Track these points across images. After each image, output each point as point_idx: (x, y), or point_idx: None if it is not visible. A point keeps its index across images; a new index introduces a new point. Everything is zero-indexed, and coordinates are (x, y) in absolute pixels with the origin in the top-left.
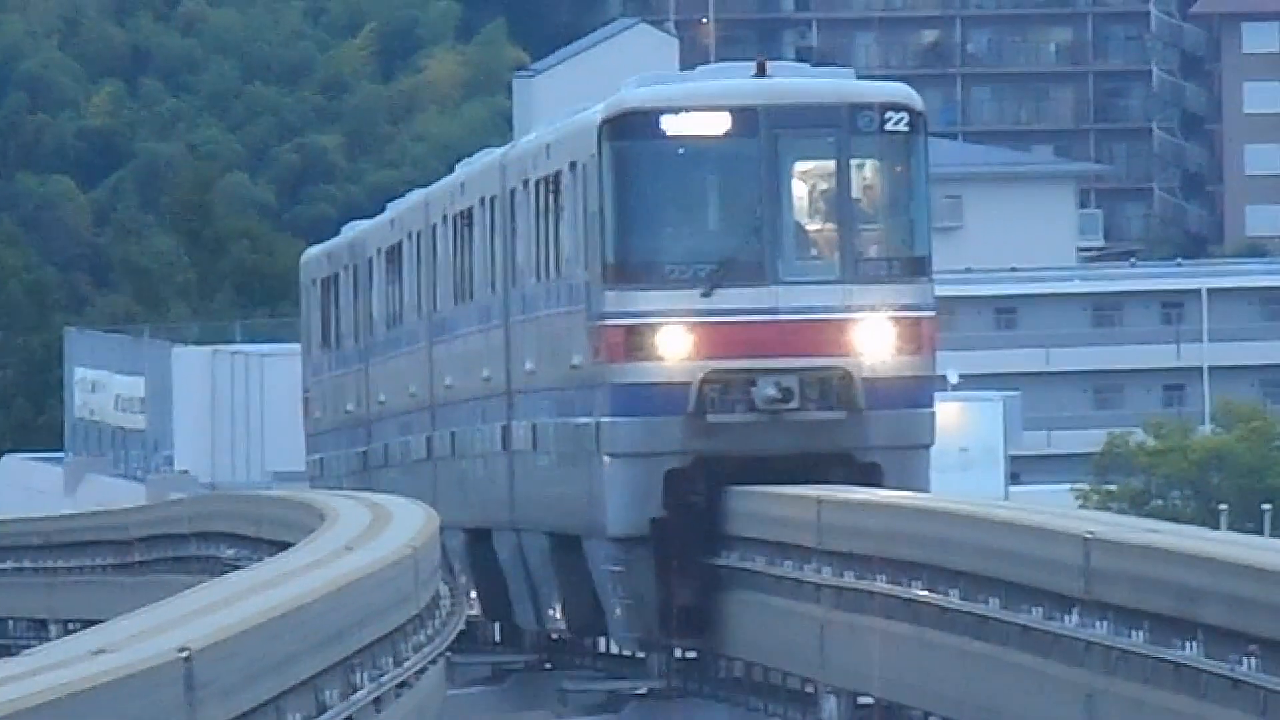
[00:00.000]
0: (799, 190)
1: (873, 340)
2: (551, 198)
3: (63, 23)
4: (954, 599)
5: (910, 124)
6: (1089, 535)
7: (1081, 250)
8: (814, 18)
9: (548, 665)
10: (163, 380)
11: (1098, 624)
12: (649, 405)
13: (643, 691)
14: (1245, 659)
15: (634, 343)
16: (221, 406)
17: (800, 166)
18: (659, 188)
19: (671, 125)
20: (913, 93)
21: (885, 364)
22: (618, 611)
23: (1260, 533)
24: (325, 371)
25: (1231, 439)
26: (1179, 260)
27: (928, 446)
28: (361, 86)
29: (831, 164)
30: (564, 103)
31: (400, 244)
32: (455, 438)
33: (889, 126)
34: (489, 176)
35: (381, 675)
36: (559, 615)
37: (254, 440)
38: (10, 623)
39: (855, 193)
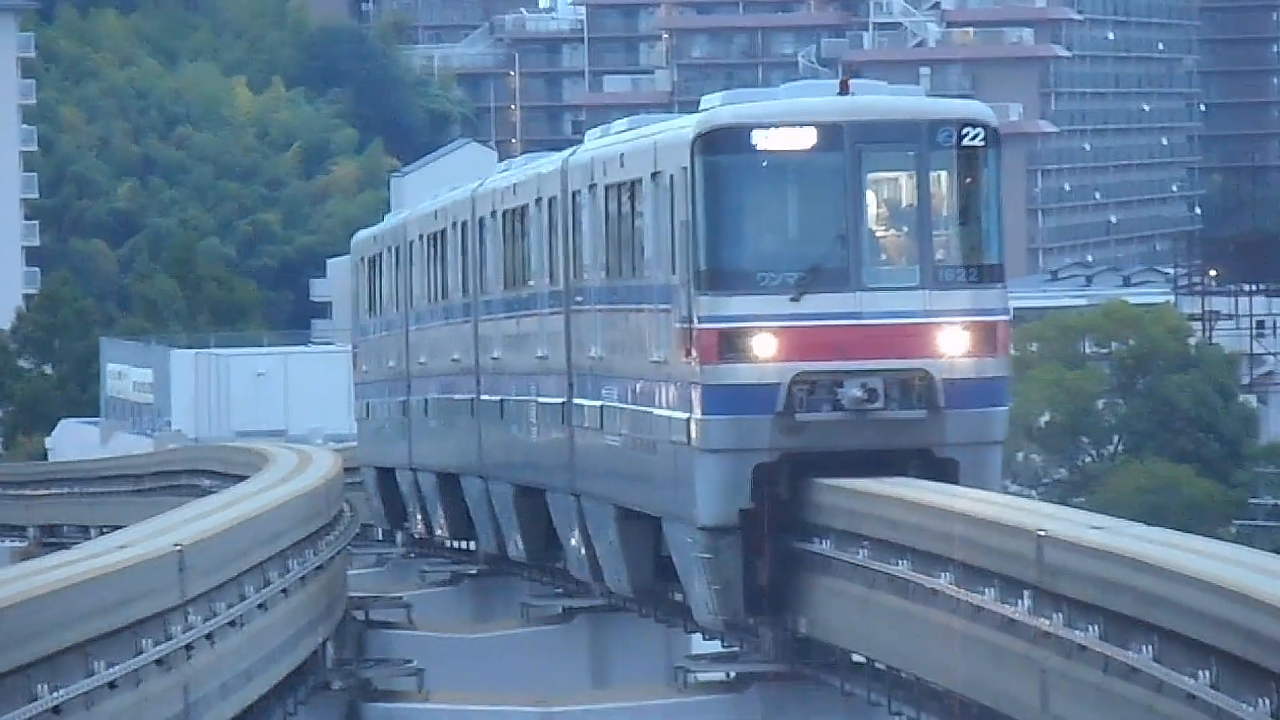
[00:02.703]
0: (881, 201)
1: (951, 343)
2: (626, 203)
3: (98, 140)
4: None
5: (986, 139)
6: None
7: None
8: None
9: (413, 554)
10: (164, 371)
11: None
12: (741, 405)
13: (473, 572)
14: (860, 551)
15: (726, 345)
16: (202, 388)
17: (882, 179)
18: (749, 199)
19: (761, 140)
20: (988, 109)
21: (963, 365)
22: (706, 595)
23: None
24: (370, 333)
25: None
26: None
27: (1000, 443)
28: (292, 182)
29: (912, 176)
30: (423, 194)
31: (444, 231)
32: (503, 404)
33: (966, 141)
34: (548, 180)
35: (305, 562)
36: (623, 579)
37: (222, 410)
38: (65, 527)
39: (934, 203)
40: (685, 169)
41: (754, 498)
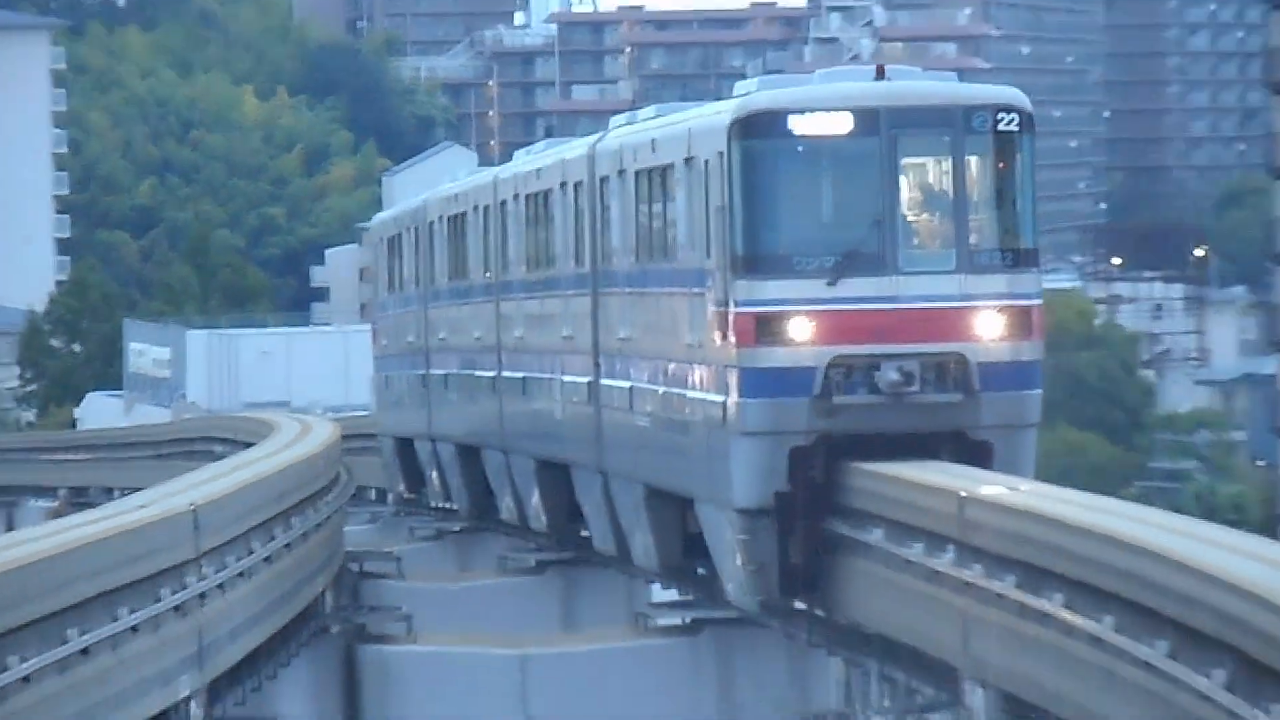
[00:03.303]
0: (916, 186)
1: (986, 327)
2: (657, 188)
3: (122, 143)
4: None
5: (1020, 124)
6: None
7: None
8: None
9: (402, 513)
10: (180, 349)
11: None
12: (778, 388)
13: (457, 529)
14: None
15: (764, 329)
16: (214, 364)
17: (918, 163)
18: (786, 184)
19: (798, 125)
20: (1022, 95)
21: (998, 349)
22: (740, 576)
23: None
24: (389, 310)
25: None
26: None
27: (1035, 425)
28: (295, 180)
29: (947, 161)
30: (412, 191)
31: (465, 214)
32: (525, 381)
33: (1001, 126)
34: (574, 165)
35: (306, 520)
36: (650, 553)
37: (232, 384)
38: (91, 489)
39: (969, 188)
40: (721, 154)
41: (790, 480)
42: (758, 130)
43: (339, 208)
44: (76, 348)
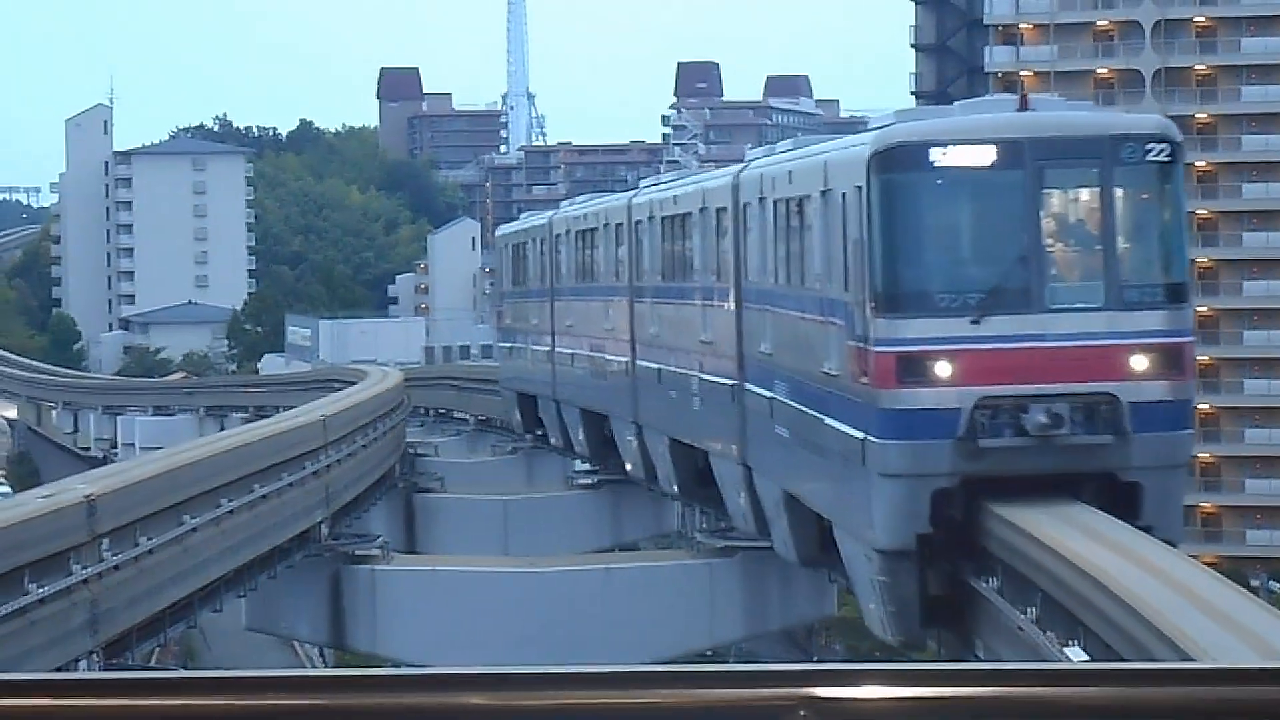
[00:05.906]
0: (1063, 219)
1: (1137, 366)
2: (795, 217)
3: (283, 216)
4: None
5: (1171, 155)
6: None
7: None
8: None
9: (436, 423)
10: (316, 331)
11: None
12: (920, 429)
13: (469, 429)
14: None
15: (905, 369)
16: (337, 341)
17: (1064, 196)
18: (927, 218)
19: (939, 158)
20: (1172, 124)
21: (1149, 389)
22: (881, 613)
23: None
24: (513, 299)
25: None
26: None
27: (1185, 466)
28: (379, 238)
29: (1095, 193)
30: (444, 247)
31: (595, 230)
32: (661, 372)
33: (1151, 157)
34: (716, 193)
35: (386, 424)
36: (787, 540)
37: (344, 349)
38: (266, 408)
39: (1117, 221)
40: (860, 187)
41: (932, 522)
42: (898, 163)
43: (403, 253)
44: (259, 330)
